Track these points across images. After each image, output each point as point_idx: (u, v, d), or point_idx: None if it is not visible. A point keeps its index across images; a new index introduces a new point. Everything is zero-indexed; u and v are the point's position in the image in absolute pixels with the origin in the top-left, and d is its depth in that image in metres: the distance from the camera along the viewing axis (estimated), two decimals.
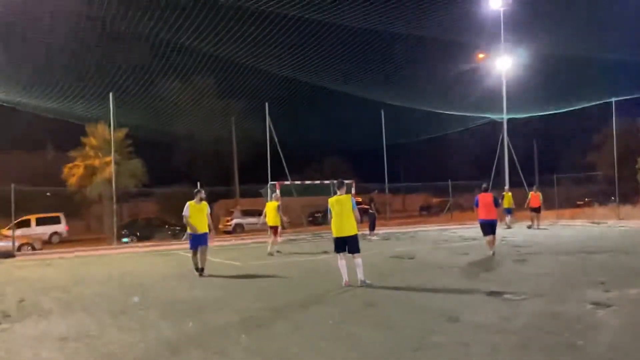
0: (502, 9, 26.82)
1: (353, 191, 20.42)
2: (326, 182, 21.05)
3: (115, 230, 22.34)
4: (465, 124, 32.71)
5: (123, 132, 27.96)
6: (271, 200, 16.40)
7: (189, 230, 11.31)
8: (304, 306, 7.71)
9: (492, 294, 7.90)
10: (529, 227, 21.95)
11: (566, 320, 6.17)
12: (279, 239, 16.12)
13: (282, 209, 16.03)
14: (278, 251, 15.35)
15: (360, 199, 20.05)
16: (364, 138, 32.33)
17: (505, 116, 29.01)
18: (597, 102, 26.83)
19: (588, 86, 26.06)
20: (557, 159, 39.11)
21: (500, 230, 21.67)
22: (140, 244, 22.32)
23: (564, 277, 9.37)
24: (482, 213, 12.97)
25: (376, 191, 20.72)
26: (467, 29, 24.75)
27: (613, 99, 25.90)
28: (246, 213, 29.42)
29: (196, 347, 5.63)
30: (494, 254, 12.75)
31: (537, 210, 22.28)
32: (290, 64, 21.77)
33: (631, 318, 6.21)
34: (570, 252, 13.16)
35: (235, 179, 38.01)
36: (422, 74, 27.80)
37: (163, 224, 27.07)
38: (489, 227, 12.86)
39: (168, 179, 34.01)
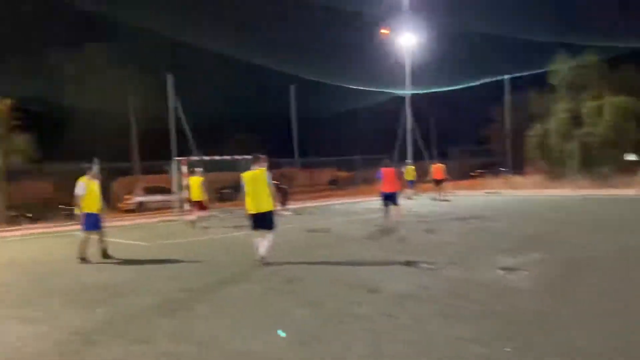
0: None
1: (266, 166, 20.03)
2: (237, 157, 20.47)
3: (4, 211, 20.32)
4: (370, 99, 33.34)
5: (6, 103, 25.29)
6: (195, 175, 16.38)
7: (80, 211, 10.39)
8: (223, 285, 7.41)
9: (408, 263, 8.08)
10: (434, 198, 22.91)
11: (482, 287, 6.42)
12: (207, 213, 16.40)
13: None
14: (205, 227, 15.48)
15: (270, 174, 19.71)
16: (272, 112, 31.92)
17: (408, 92, 29.92)
18: (493, 79, 28.44)
19: (485, 63, 27.50)
20: (454, 132, 41.19)
21: (405, 202, 22.58)
22: (33, 226, 20.54)
23: (471, 245, 9.83)
24: (385, 186, 13.59)
25: (287, 166, 20.54)
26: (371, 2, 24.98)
27: (506, 76, 27.60)
28: (149, 190, 28.07)
29: (113, 336, 5.17)
30: (393, 222, 13.48)
31: (440, 182, 22.96)
32: (195, 30, 20.69)
33: (540, 281, 6.58)
34: (473, 221, 13.87)
35: (135, 154, 36.07)
36: (328, 48, 27.78)
37: (57, 204, 25.07)
38: (390, 199, 13.57)
39: (63, 156, 31.49)
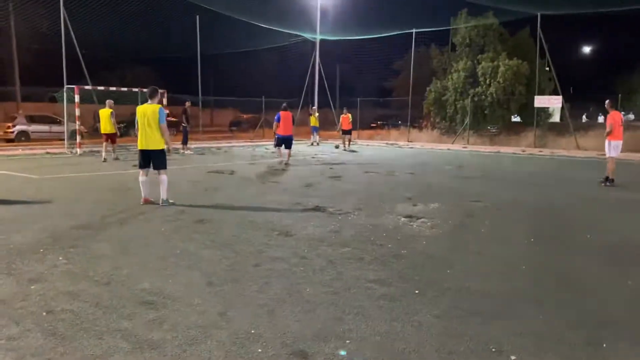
0: None
1: (165, 102, 19.03)
2: (134, 89, 19.20)
3: None
4: (279, 41, 32.50)
5: None
6: (105, 108, 15.98)
7: None
8: (124, 224, 7.05)
9: (317, 208, 8.21)
10: (337, 147, 23.30)
11: (387, 232, 6.69)
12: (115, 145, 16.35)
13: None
14: (117, 158, 15.83)
15: (168, 111, 18.82)
16: (175, 46, 30.10)
17: (318, 36, 29.62)
18: (402, 32, 28.86)
19: (394, 15, 27.78)
20: (359, 82, 41.74)
21: (309, 148, 22.82)
22: None
23: (375, 193, 10.17)
24: (281, 129, 14.79)
25: (189, 103, 19.66)
26: None
27: (414, 30, 28.15)
28: (33, 119, 25.66)
29: (4, 274, 4.74)
30: (286, 164, 14.60)
31: (347, 132, 22.90)
32: None
33: (439, 229, 6.99)
34: (376, 170, 14.34)
35: (15, 79, 32.60)
36: None
37: None
38: (284, 141, 14.75)
39: None
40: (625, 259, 5.67)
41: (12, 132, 24.42)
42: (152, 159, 8.35)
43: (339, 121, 23.50)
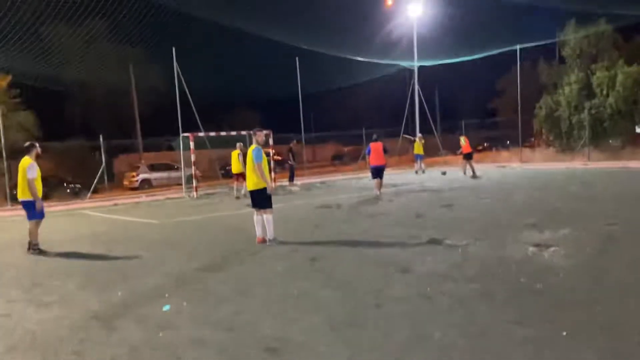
0: None
1: (271, 142, 19.66)
2: (242, 132, 20.08)
3: (7, 190, 20.01)
4: (376, 72, 32.64)
5: (6, 79, 24.77)
6: (235, 149, 17.12)
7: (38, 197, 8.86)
8: (242, 264, 7.12)
9: (433, 241, 7.79)
10: (444, 173, 22.49)
11: (516, 265, 6.12)
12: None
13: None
14: (238, 197, 16.64)
15: (270, 150, 19.36)
16: (277, 87, 31.28)
17: (416, 63, 29.31)
18: (503, 50, 27.74)
19: (494, 33, 26.80)
20: (460, 105, 40.63)
21: (414, 176, 22.29)
22: None
23: (495, 220, 9.52)
24: (373, 159, 14.84)
25: (295, 141, 20.13)
26: None
27: (518, 46, 26.89)
28: (154, 167, 27.75)
29: (134, 321, 4.89)
30: (380, 196, 14.52)
31: (469, 155, 21.07)
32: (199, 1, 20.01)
33: (575, 258, 6.28)
34: (491, 195, 13.55)
35: (137, 131, 35.62)
36: (332, 19, 27.00)
37: (61, 182, 24.77)
38: (377, 172, 14.83)
39: (63, 133, 31.10)
40: None
41: (137, 181, 26.55)
42: (253, 199, 8.48)
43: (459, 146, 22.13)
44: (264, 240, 8.39)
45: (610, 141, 26.41)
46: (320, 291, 5.51)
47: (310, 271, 6.44)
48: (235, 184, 17.24)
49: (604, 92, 24.97)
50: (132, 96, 34.49)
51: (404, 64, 31.11)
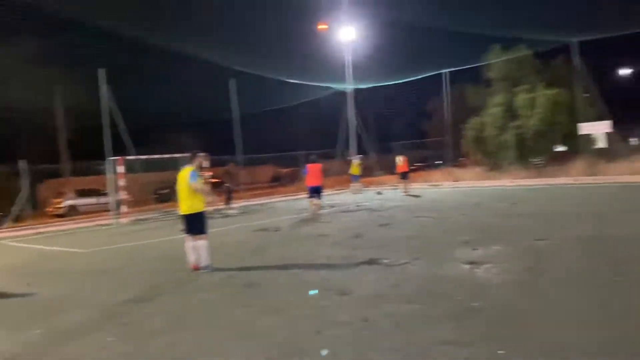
0: None
1: (207, 164, 19.21)
2: (176, 155, 19.50)
3: None
4: (312, 94, 32.93)
5: None
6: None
7: None
8: (175, 294, 6.78)
9: (371, 261, 7.77)
10: (379, 193, 22.86)
11: (452, 283, 6.18)
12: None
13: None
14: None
15: (206, 173, 18.97)
16: (213, 109, 30.82)
17: (350, 86, 29.83)
18: (432, 73, 28.79)
19: (425, 57, 27.79)
20: (394, 126, 41.60)
21: (351, 196, 22.49)
22: None
23: (430, 238, 9.66)
24: (310, 180, 15.12)
25: (232, 164, 19.78)
26: None
27: (445, 70, 28.01)
28: (81, 193, 26.39)
29: None
30: (318, 216, 14.76)
31: (405, 174, 21.86)
32: (130, 22, 19.41)
33: (508, 274, 6.43)
34: (425, 214, 13.80)
35: (64, 155, 33.90)
36: (267, 42, 27.04)
37: None
38: (314, 192, 15.03)
39: None
40: None
41: (62, 207, 25.11)
42: (189, 224, 8.12)
43: (394, 166, 22.69)
44: (198, 268, 8.07)
45: (533, 160, 27.83)
46: (258, 319, 5.31)
47: (247, 298, 6.21)
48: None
49: (526, 113, 26.35)
50: (58, 119, 32.87)
51: (339, 86, 31.61)
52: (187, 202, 8.04)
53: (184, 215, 8.13)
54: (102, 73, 20.20)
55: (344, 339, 4.53)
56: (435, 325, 4.72)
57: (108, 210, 20.67)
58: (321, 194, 15.44)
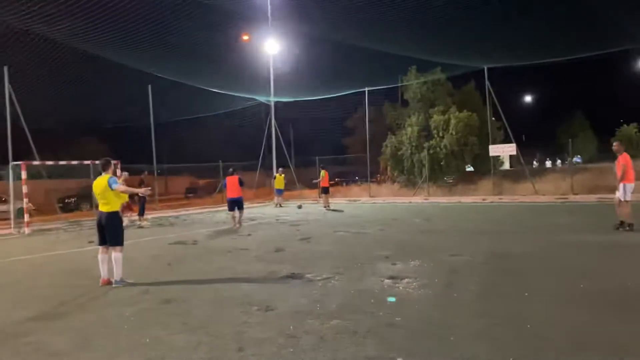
0: None
1: (119, 172, 18.29)
2: (85, 162, 18.42)
3: None
4: (234, 105, 32.49)
5: None
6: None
7: None
8: (83, 310, 6.31)
9: (293, 276, 7.70)
10: (299, 207, 22.89)
11: (374, 297, 6.23)
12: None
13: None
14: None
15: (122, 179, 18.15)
16: (126, 115, 29.52)
17: (272, 99, 29.79)
18: (353, 91, 29.44)
19: (347, 74, 28.39)
20: (314, 141, 41.98)
21: (273, 210, 22.36)
22: None
23: (351, 253, 9.74)
24: (230, 192, 15.49)
25: (146, 172, 18.96)
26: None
27: (366, 89, 28.76)
28: None
29: None
30: (238, 228, 15.02)
31: (327, 189, 22.18)
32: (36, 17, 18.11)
33: (427, 289, 6.59)
34: (345, 229, 13.97)
35: None
36: (187, 48, 26.36)
37: None
38: (235, 204, 15.40)
39: None
40: (633, 306, 5.41)
41: None
42: (106, 232, 7.66)
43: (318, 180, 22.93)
44: (109, 282, 7.59)
45: (445, 178, 29.15)
46: (176, 337, 5.04)
47: (164, 315, 5.90)
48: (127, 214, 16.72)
49: (440, 134, 27.60)
50: None
51: (261, 98, 31.47)
52: (107, 207, 7.64)
53: (100, 223, 7.67)
54: (5, 71, 18.72)
55: (268, 356, 4.40)
56: (358, 341, 4.71)
57: (7, 219, 19.09)
58: (241, 206, 15.58)
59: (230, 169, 16.10)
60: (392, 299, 6.06)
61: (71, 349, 4.84)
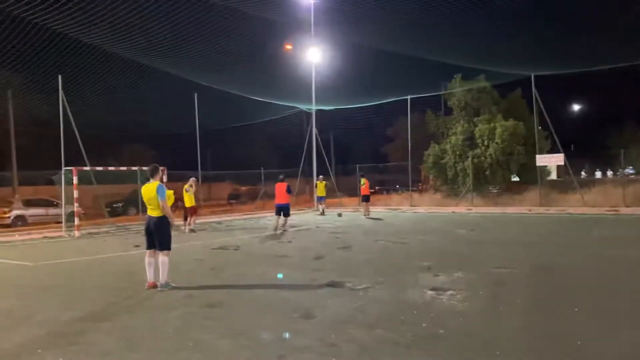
0: (312, 1, 27.44)
1: (165, 179, 18.75)
2: (133, 168, 18.97)
3: None
4: (274, 113, 32.85)
5: None
6: (186, 184, 17.76)
7: None
8: (130, 312, 6.48)
9: (334, 284, 7.68)
10: (339, 215, 22.84)
11: (416, 309, 6.14)
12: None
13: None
14: (193, 230, 17.17)
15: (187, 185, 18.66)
16: (173, 122, 30.26)
17: (314, 107, 29.92)
18: (395, 99, 29.25)
19: (388, 82, 28.25)
20: (355, 149, 41.95)
21: (313, 217, 22.38)
22: None
23: (391, 263, 9.65)
24: (278, 198, 16.22)
25: (193, 178, 19.30)
26: (279, 15, 24.62)
27: (409, 96, 28.53)
28: (30, 203, 25.23)
29: None
30: (282, 232, 15.66)
31: (367, 197, 22.25)
32: (90, 28, 18.82)
33: (471, 302, 6.44)
34: (385, 238, 13.85)
35: (12, 163, 32.45)
36: (231, 58, 26.85)
37: None
38: (281, 210, 16.08)
39: None
40: None
41: (9, 217, 23.92)
42: (155, 236, 7.84)
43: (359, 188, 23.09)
44: (155, 285, 7.76)
45: (490, 188, 28.52)
46: (219, 341, 5.10)
47: (207, 319, 5.98)
48: (190, 219, 17.42)
49: (485, 142, 27.04)
50: (8, 125, 31.50)
51: (302, 107, 31.66)
52: (156, 211, 7.81)
53: (149, 228, 7.85)
54: (60, 80, 19.52)
55: None
56: (401, 352, 4.64)
57: (58, 222, 19.85)
58: (288, 212, 16.21)
59: (281, 176, 16.89)
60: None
61: (117, 349, 4.97)
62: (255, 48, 27.13)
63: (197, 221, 19.59)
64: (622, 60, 22.18)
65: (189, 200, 17.36)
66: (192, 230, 17.16)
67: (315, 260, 10.18)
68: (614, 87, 45.56)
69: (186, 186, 17.51)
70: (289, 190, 16.26)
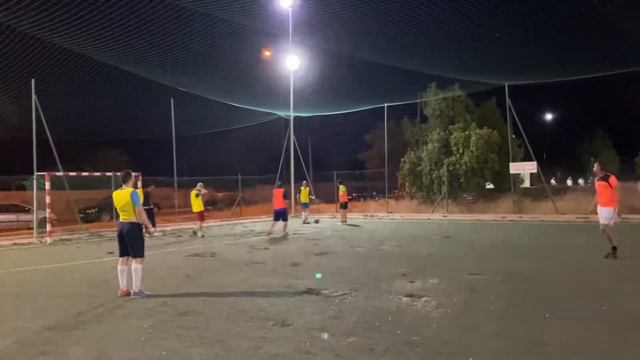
0: (290, 9, 27.48)
1: (139, 185, 18.52)
2: (107, 174, 18.68)
3: None
4: (251, 119, 32.73)
5: None
6: (193, 190, 18.24)
7: None
8: (102, 321, 6.36)
9: (310, 291, 7.68)
10: (316, 221, 22.81)
11: (391, 315, 6.18)
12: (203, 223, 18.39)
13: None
14: (202, 235, 17.46)
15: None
16: (148, 128, 29.90)
17: (291, 113, 29.94)
18: (372, 106, 29.47)
19: (365, 90, 28.42)
20: (332, 155, 42.01)
21: (301, 225, 22.16)
22: None
23: (367, 269, 9.68)
24: (276, 204, 17.34)
25: (152, 185, 19.15)
26: (257, 20, 24.58)
27: (386, 104, 28.78)
28: (0, 209, 24.62)
29: None
30: (283, 237, 16.28)
31: (345, 205, 22.33)
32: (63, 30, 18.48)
33: (445, 308, 6.50)
34: (362, 244, 13.90)
35: None
36: (208, 63, 26.67)
37: None
38: (279, 215, 17.13)
39: None
40: None
41: None
42: (127, 243, 7.74)
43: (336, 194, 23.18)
44: (128, 293, 7.65)
45: (465, 195, 28.88)
46: (192, 350, 5.05)
47: (181, 327, 5.91)
48: (198, 224, 17.85)
49: (460, 150, 27.40)
50: None
51: (280, 113, 31.65)
52: (128, 218, 7.73)
53: (122, 234, 7.75)
54: (33, 84, 19.14)
55: None
56: (376, 358, 4.67)
57: (30, 228, 19.40)
58: (286, 217, 17.18)
59: (278, 182, 18.12)
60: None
61: (88, 359, 4.87)
62: (233, 54, 27.01)
63: (168, 228, 19.42)
64: (594, 70, 22.77)
65: (198, 205, 17.75)
66: (196, 234, 17.77)
67: (292, 267, 10.16)
68: (587, 96, 46.70)
69: (195, 191, 17.86)
70: (284, 196, 17.28)
